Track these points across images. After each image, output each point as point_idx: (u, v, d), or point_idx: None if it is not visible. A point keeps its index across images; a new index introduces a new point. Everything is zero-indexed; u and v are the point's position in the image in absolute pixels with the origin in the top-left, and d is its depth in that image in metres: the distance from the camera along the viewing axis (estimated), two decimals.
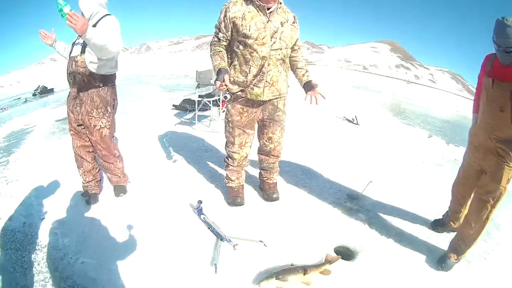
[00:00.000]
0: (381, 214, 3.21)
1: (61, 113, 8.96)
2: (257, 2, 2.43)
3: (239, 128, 2.78)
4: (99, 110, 2.87)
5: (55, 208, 3.24)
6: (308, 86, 2.63)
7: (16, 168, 4.74)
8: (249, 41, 2.46)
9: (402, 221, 3.12)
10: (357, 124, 7.06)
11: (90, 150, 3.17)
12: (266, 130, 2.88)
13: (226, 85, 2.35)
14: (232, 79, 2.56)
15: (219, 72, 2.41)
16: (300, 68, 2.76)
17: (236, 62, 2.58)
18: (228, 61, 2.61)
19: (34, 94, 20.73)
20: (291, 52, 2.74)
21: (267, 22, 2.48)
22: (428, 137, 7.31)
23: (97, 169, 3.34)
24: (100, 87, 2.82)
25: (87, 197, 3.27)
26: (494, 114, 2.21)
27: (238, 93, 2.65)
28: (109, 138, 3.01)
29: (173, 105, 8.10)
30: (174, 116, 7.04)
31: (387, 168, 4.47)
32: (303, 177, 3.91)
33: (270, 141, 2.92)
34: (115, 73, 2.94)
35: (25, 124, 8.66)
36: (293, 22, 2.63)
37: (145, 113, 7.50)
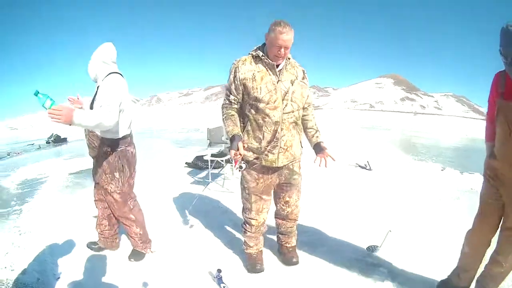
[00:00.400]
0: (403, 268, 3.11)
1: (74, 165, 9.21)
2: (266, 61, 2.43)
3: (256, 195, 2.75)
4: (107, 175, 2.89)
5: (70, 268, 3.23)
6: (318, 148, 2.64)
7: (29, 219, 4.83)
8: (261, 105, 2.44)
9: (426, 271, 3.01)
10: (370, 169, 7.04)
11: (105, 206, 3.17)
12: (283, 194, 2.87)
13: (240, 154, 2.36)
14: (246, 146, 2.53)
15: (233, 139, 2.41)
16: (310, 128, 2.77)
17: (249, 128, 2.56)
18: (241, 125, 2.60)
19: (47, 142, 21.25)
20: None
21: (277, 83, 2.46)
22: (441, 170, 7.32)
23: (106, 226, 3.28)
24: (108, 151, 2.83)
25: (96, 246, 3.37)
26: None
27: (253, 160, 2.62)
28: (121, 203, 3.00)
29: (186, 163, 8.23)
30: (187, 175, 7.14)
31: (404, 214, 4.41)
32: (320, 235, 3.87)
33: (287, 205, 2.90)
34: (125, 136, 2.90)
35: (38, 173, 8.85)
36: (303, 78, 2.62)
37: (158, 171, 7.64)
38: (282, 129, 2.50)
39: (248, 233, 2.97)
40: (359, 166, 7.38)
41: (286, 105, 2.48)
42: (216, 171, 7.00)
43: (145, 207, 4.82)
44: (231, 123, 2.53)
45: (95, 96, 2.74)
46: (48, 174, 8.52)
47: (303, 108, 2.71)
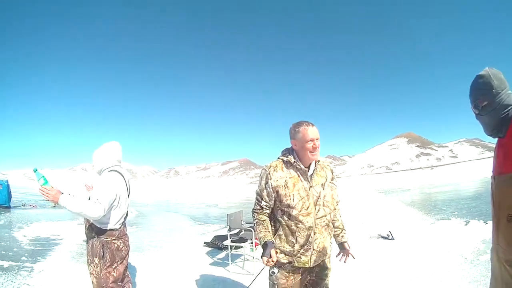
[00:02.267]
0: None
1: None
2: (299, 166, 2.49)
3: None
4: (88, 257, 3.07)
5: None
6: (342, 247, 2.78)
7: (40, 280, 4.89)
8: (294, 212, 2.48)
9: None
10: (392, 239, 6.98)
11: None
12: None
13: (273, 261, 2.40)
14: (278, 251, 2.56)
15: (265, 246, 2.45)
16: (336, 228, 2.81)
17: (281, 232, 2.59)
18: (272, 229, 2.63)
19: None
20: None
21: (310, 189, 2.51)
22: (465, 225, 7.30)
23: None
24: (93, 237, 3.03)
25: None
26: (500, 226, 1.82)
27: (286, 263, 2.65)
28: (96, 286, 3.07)
29: (205, 242, 8.15)
30: (206, 255, 7.05)
31: (428, 281, 4.24)
32: None
33: None
34: (112, 229, 3.06)
35: (52, 233, 9.05)
36: (332, 179, 2.68)
37: (176, 250, 7.65)
38: (315, 233, 2.54)
39: None
40: (382, 237, 7.36)
41: (318, 210, 2.53)
42: (236, 251, 6.92)
43: (163, 287, 4.82)
44: (263, 229, 2.58)
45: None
46: (62, 236, 8.71)
47: (335, 208, 2.75)
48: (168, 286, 4.93)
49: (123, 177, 3.15)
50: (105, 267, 3.02)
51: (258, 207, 2.65)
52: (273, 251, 2.42)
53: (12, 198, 15.36)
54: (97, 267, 3.01)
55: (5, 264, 5.48)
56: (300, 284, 2.75)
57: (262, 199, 2.61)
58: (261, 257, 2.45)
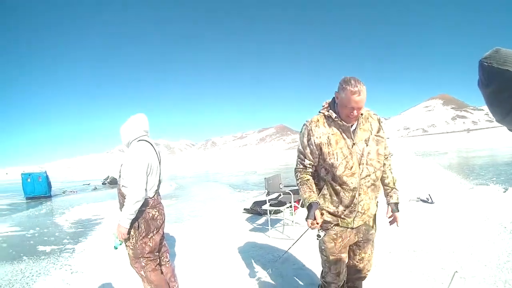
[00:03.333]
0: None
1: None
2: (340, 123, 2.37)
3: (334, 255, 2.63)
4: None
5: None
6: (389, 209, 2.66)
7: (82, 259, 5.06)
8: (337, 172, 2.40)
9: None
10: (432, 202, 6.95)
11: None
12: (359, 251, 2.75)
13: (318, 223, 2.32)
14: (323, 213, 2.49)
15: (310, 207, 2.38)
16: (386, 186, 2.68)
17: (325, 191, 2.53)
18: (316, 188, 2.56)
19: (103, 183, 22.88)
20: None
21: (352, 146, 2.40)
22: (504, 192, 7.15)
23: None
24: None
25: None
26: None
27: (330, 223, 2.56)
28: (133, 258, 3.14)
29: (244, 209, 8.24)
30: (245, 221, 7.10)
31: (470, 251, 4.05)
32: (383, 278, 3.58)
33: (361, 261, 2.77)
34: (146, 199, 3.06)
35: (93, 213, 9.44)
36: (378, 131, 2.51)
37: (216, 218, 7.78)
38: (360, 194, 2.46)
39: None
40: (421, 200, 7.35)
41: (362, 170, 2.43)
42: (275, 216, 6.90)
43: (202, 255, 4.87)
44: (308, 189, 2.48)
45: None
46: (103, 216, 9.06)
47: (382, 164, 2.59)
48: (207, 254, 4.95)
49: (152, 146, 3.15)
50: (141, 237, 3.06)
51: (301, 166, 2.56)
52: (317, 213, 2.34)
53: (52, 188, 16.15)
54: (132, 238, 3.05)
55: (48, 249, 5.74)
56: (347, 246, 2.65)
57: (305, 157, 2.51)
58: (306, 219, 2.37)
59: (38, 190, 14.99)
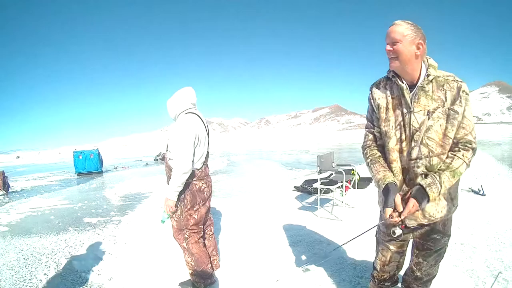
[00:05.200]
0: None
1: None
2: (398, 83, 2.01)
3: (383, 243, 2.42)
4: None
5: (158, 283, 3.38)
6: (414, 189, 1.96)
7: (127, 230, 5.27)
8: (390, 144, 2.09)
9: None
10: (483, 194, 6.65)
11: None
12: (417, 252, 2.38)
13: (399, 216, 1.92)
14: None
15: (387, 191, 1.98)
16: (438, 170, 2.00)
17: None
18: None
19: (155, 159, 23.91)
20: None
21: (408, 115, 2.01)
22: None
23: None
24: None
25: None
26: None
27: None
28: (176, 230, 3.21)
29: (295, 187, 8.26)
30: (295, 199, 7.07)
31: None
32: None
33: (417, 267, 2.40)
34: (193, 170, 3.09)
35: (143, 188, 9.85)
36: (453, 102, 1.95)
37: (265, 195, 7.83)
38: (409, 181, 2.06)
39: (370, 283, 2.62)
40: (472, 190, 7.07)
41: (412, 149, 2.01)
42: (325, 196, 6.83)
43: (247, 231, 4.89)
44: (381, 168, 2.11)
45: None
46: (152, 190, 9.41)
47: (446, 151, 2.02)
48: (252, 230, 4.97)
49: (200, 118, 3.18)
50: (186, 209, 3.12)
51: (370, 140, 2.26)
52: (398, 199, 1.93)
53: (103, 164, 17.10)
54: (178, 210, 3.11)
55: (94, 220, 6.05)
56: (404, 241, 2.34)
57: (374, 126, 2.21)
58: (383, 208, 1.99)
59: (89, 167, 15.94)
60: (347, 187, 6.28)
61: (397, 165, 2.06)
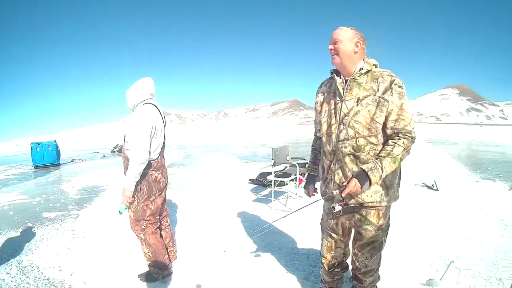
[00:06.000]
0: None
1: None
2: (335, 78, 2.22)
3: (326, 230, 2.56)
4: None
5: (117, 276, 3.42)
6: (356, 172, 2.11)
7: (85, 224, 5.23)
8: (322, 130, 2.33)
9: None
10: (437, 190, 7.03)
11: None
12: (353, 242, 2.50)
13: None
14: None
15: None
16: (377, 156, 2.13)
17: (320, 158, 2.47)
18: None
19: (112, 151, 23.30)
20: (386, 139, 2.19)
21: (339, 103, 2.19)
22: (509, 189, 7.16)
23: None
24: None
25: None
26: None
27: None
28: (134, 220, 3.22)
29: (250, 179, 8.42)
30: (250, 192, 7.23)
31: (468, 243, 4.07)
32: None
33: (355, 257, 2.51)
34: (149, 160, 3.11)
35: (100, 180, 9.69)
36: (384, 92, 2.09)
37: (221, 187, 7.94)
38: (337, 161, 2.21)
39: (322, 270, 2.72)
40: (426, 186, 7.47)
41: (340, 131, 2.17)
42: (280, 188, 7.04)
43: (203, 222, 5.01)
44: (310, 159, 2.64)
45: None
46: (109, 182, 9.30)
47: (379, 135, 2.16)
48: (207, 222, 5.09)
49: (158, 108, 3.21)
50: (143, 200, 3.14)
51: (315, 132, 2.57)
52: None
53: (61, 156, 16.49)
54: (135, 200, 3.12)
55: (52, 215, 5.90)
56: (342, 225, 2.47)
57: (315, 122, 2.49)
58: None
59: (47, 159, 15.29)
60: (300, 180, 6.47)
61: (327, 148, 2.26)
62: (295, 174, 6.20)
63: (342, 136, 2.16)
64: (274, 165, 6.35)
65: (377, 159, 2.08)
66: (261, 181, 7.92)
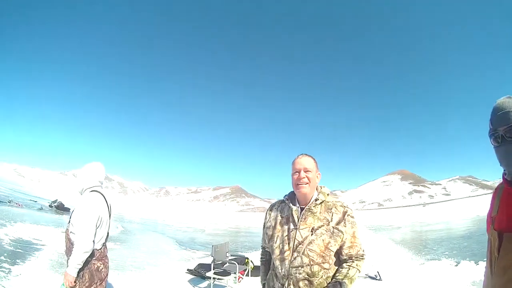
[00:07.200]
0: None
1: None
2: (290, 205, 2.25)
3: None
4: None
5: None
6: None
7: (16, 283, 4.85)
8: (273, 255, 2.30)
9: None
10: (380, 280, 6.92)
11: None
12: None
13: None
14: None
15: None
16: (334, 278, 2.21)
17: (270, 276, 2.43)
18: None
19: (50, 206, 21.77)
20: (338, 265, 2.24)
21: (293, 231, 2.19)
22: (456, 265, 7.31)
23: None
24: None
25: None
26: None
27: None
28: None
29: (188, 269, 8.06)
30: (188, 283, 6.92)
31: None
32: None
33: None
34: (94, 251, 3.05)
35: (35, 236, 9.02)
36: (338, 223, 2.16)
37: (158, 274, 7.57)
38: (290, 285, 2.18)
39: None
40: (369, 277, 7.31)
41: (295, 258, 2.16)
42: (218, 282, 6.88)
43: None
44: (262, 270, 2.59)
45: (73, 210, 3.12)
46: (45, 242, 8.65)
47: (331, 260, 2.20)
48: None
49: (105, 198, 3.18)
50: (84, 287, 3.02)
51: (262, 246, 2.59)
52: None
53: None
54: (75, 286, 3.00)
55: None
56: None
57: (262, 240, 2.50)
58: None
59: None
60: (239, 277, 6.36)
61: (280, 272, 2.21)
62: (235, 272, 6.15)
63: (296, 263, 2.16)
64: (213, 261, 6.30)
65: (336, 282, 2.12)
66: (199, 272, 7.52)
